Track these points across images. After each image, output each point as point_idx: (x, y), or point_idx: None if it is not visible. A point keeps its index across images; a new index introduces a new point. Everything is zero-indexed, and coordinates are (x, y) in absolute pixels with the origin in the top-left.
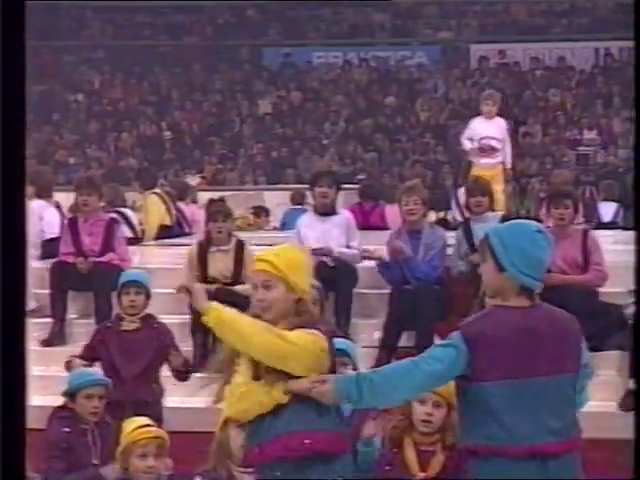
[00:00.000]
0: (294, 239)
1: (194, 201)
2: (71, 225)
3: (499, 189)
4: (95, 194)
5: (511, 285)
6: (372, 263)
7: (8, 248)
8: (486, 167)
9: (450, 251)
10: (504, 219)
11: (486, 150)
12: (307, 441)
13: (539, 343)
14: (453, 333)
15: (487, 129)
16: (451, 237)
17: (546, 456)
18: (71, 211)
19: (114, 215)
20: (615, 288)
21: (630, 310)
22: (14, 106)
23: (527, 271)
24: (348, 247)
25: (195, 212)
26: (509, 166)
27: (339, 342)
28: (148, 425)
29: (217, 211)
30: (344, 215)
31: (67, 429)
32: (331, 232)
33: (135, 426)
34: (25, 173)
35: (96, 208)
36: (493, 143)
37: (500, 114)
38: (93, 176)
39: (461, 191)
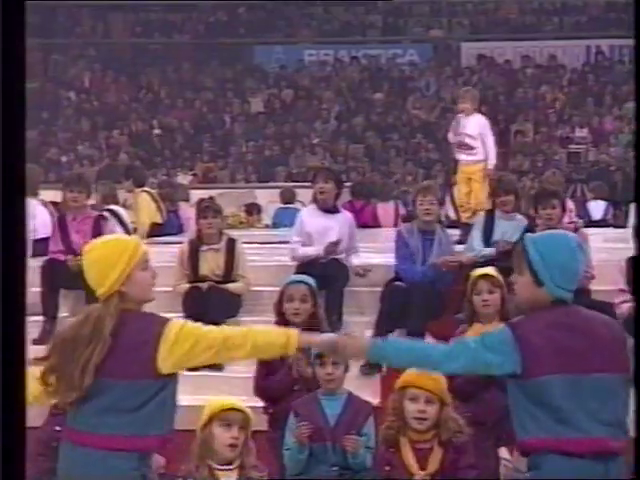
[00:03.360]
0: (294, 233)
1: (186, 200)
2: (60, 223)
3: (478, 187)
4: (85, 191)
5: (546, 298)
6: (365, 260)
7: (8, 248)
8: (467, 164)
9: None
10: (530, 227)
11: (461, 146)
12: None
13: (588, 340)
14: (501, 329)
15: (465, 126)
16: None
17: (605, 453)
18: (58, 209)
19: (105, 213)
20: (606, 286)
21: (621, 309)
22: (14, 106)
23: (564, 285)
24: (350, 249)
25: (186, 210)
26: (491, 165)
27: None
28: None
29: (206, 208)
30: (346, 215)
31: (58, 427)
32: (333, 231)
33: None
34: (25, 173)
35: (84, 205)
36: (467, 140)
37: (481, 111)
38: (83, 174)
39: (455, 189)
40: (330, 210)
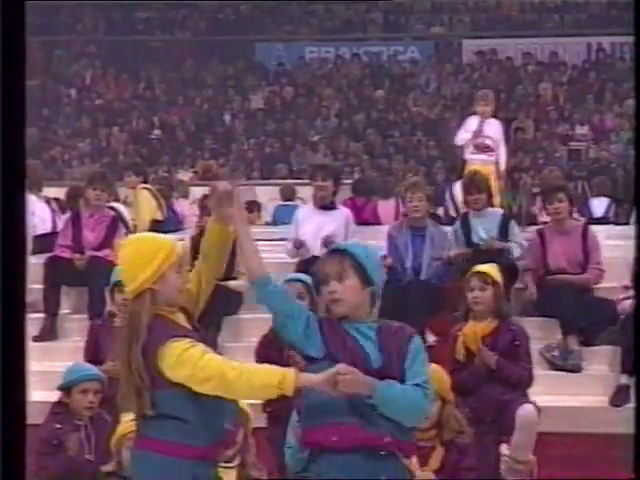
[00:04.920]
0: (291, 231)
1: (185, 196)
2: (73, 219)
3: (495, 186)
4: (107, 190)
5: (367, 299)
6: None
7: (8, 243)
8: (481, 163)
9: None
10: (504, 217)
11: (481, 148)
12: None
13: None
14: (417, 342)
15: (483, 128)
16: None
17: None
18: (60, 205)
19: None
20: (607, 283)
21: (623, 305)
22: (14, 103)
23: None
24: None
25: (185, 207)
26: (502, 166)
27: None
28: None
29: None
30: (343, 211)
31: (59, 425)
32: (329, 227)
33: (127, 419)
34: (25, 170)
35: (105, 204)
36: (488, 142)
37: (494, 114)
38: (106, 171)
39: (456, 187)
40: (327, 207)
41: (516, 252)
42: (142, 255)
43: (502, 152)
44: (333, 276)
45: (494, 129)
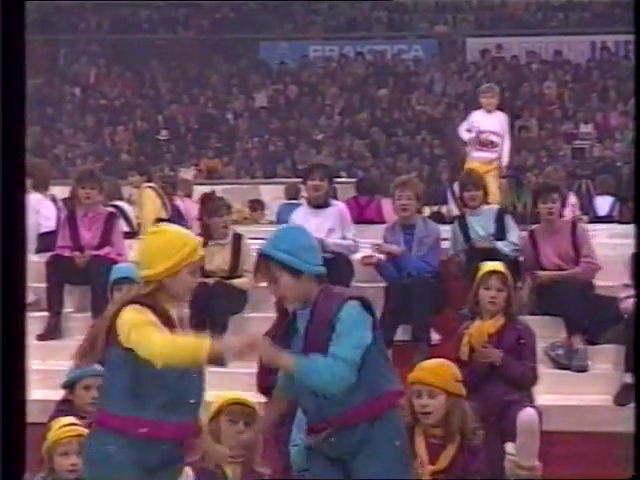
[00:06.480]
0: None
1: (188, 195)
2: (69, 219)
3: (494, 183)
4: (97, 187)
5: (309, 283)
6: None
7: (8, 242)
8: (482, 161)
9: (446, 244)
10: (500, 213)
11: (485, 144)
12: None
13: None
14: (356, 310)
15: (487, 123)
16: (446, 231)
17: None
18: (66, 204)
19: (112, 209)
20: (611, 282)
21: (626, 304)
22: (14, 103)
23: (317, 262)
24: (343, 238)
25: (188, 205)
26: (505, 162)
27: None
28: (72, 424)
29: (220, 205)
30: (337, 207)
31: None
32: (324, 225)
33: (58, 425)
34: (25, 168)
35: (97, 202)
36: (493, 137)
37: (500, 108)
38: (95, 169)
39: (457, 185)
40: (321, 206)
41: (507, 250)
42: (165, 247)
43: (506, 147)
44: (268, 281)
45: (499, 123)
